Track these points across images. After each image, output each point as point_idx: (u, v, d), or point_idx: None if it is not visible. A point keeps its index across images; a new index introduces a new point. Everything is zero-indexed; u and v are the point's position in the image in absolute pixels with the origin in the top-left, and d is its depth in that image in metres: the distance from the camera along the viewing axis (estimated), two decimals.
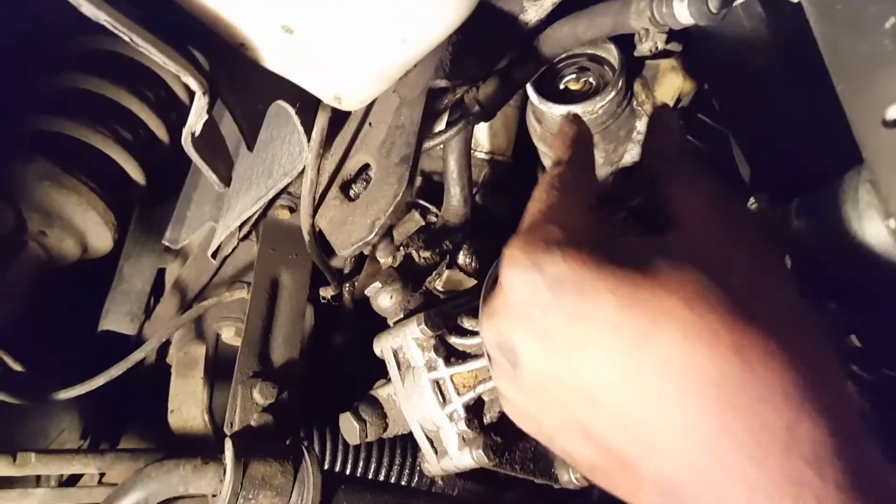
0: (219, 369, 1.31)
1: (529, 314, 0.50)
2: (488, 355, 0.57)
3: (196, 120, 0.58)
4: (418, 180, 1.21)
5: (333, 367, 1.26)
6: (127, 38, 0.52)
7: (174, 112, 1.50)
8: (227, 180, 0.69)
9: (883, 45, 0.49)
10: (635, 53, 0.81)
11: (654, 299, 0.45)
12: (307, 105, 0.79)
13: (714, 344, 0.44)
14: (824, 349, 0.47)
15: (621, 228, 0.61)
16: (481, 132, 1.18)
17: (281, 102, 0.75)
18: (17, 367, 1.25)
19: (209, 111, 0.59)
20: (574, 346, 0.48)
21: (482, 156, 1.19)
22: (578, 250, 0.49)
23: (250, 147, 0.72)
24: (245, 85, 0.66)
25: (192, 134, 0.60)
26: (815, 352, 0.46)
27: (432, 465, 0.88)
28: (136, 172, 1.42)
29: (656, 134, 0.64)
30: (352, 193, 0.90)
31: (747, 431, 0.42)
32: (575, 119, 0.68)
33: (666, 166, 0.59)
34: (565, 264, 0.48)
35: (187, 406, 1.29)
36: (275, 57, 0.62)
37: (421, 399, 0.85)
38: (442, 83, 0.77)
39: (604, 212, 0.59)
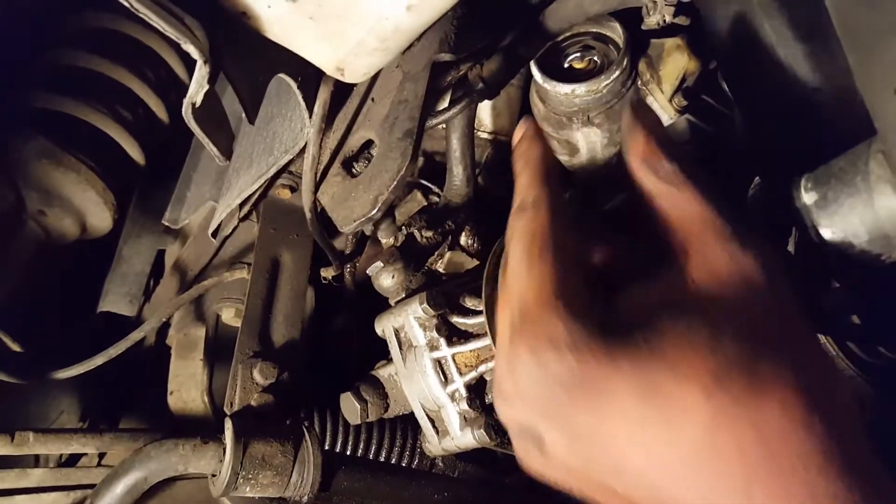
0: (219, 351, 1.30)
1: (548, 409, 0.50)
2: (510, 430, 0.56)
3: (197, 90, 0.57)
4: (420, 160, 1.20)
5: (334, 348, 1.25)
6: (126, 4, 0.51)
7: (174, 92, 1.48)
8: (227, 153, 0.68)
9: (895, 14, 0.48)
10: (642, 26, 0.80)
11: (674, 392, 0.46)
12: (309, 80, 0.78)
13: (734, 427, 0.44)
14: (843, 400, 0.48)
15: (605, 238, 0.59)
16: (484, 112, 1.17)
17: (283, 76, 0.74)
18: (15, 347, 1.25)
19: (210, 82, 0.58)
20: (600, 440, 0.48)
21: (485, 136, 1.18)
22: (587, 345, 0.48)
23: (251, 120, 0.70)
24: (247, 56, 0.65)
25: (193, 105, 0.59)
26: (835, 409, 0.46)
27: (433, 444, 0.88)
28: (135, 152, 1.41)
29: (631, 133, 0.59)
30: (354, 170, 0.89)
31: (773, 499, 0.43)
32: (533, 134, 0.65)
33: (642, 171, 0.56)
34: (577, 365, 0.48)
35: (187, 388, 1.29)
36: (277, 26, 0.61)
37: (422, 378, 0.85)
38: (446, 57, 0.76)
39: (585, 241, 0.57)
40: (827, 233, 0.58)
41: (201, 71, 0.56)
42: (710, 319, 0.48)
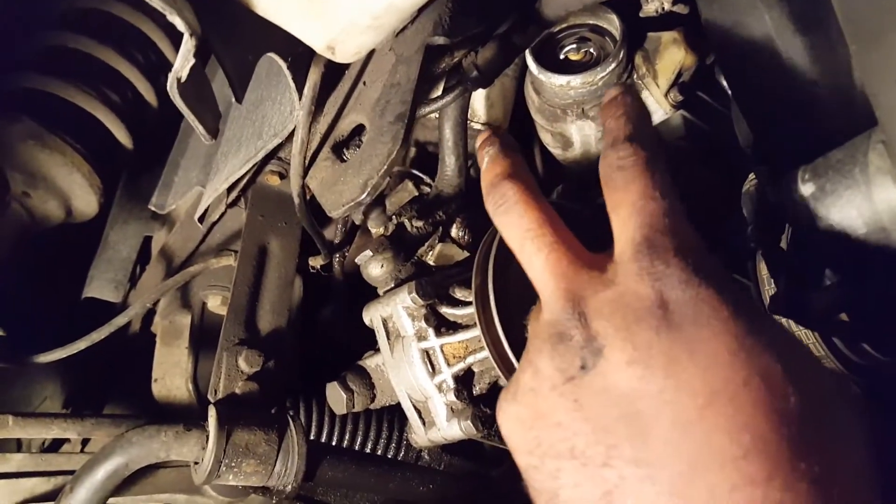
0: (204, 338, 1.29)
1: (643, 320, 0.47)
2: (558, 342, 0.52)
3: (182, 64, 0.56)
4: (413, 150, 1.19)
5: (322, 338, 1.24)
6: None
7: (164, 76, 1.46)
8: (213, 132, 0.66)
9: None
10: (640, 14, 0.79)
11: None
12: (299, 60, 0.77)
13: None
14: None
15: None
16: (478, 102, 1.16)
17: (272, 55, 0.73)
18: None
19: (196, 56, 0.56)
20: (676, 368, 0.46)
21: (478, 126, 1.17)
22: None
23: (239, 99, 0.69)
24: (235, 32, 0.64)
25: (178, 80, 0.57)
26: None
27: (420, 435, 0.87)
28: (123, 135, 1.39)
29: (609, 132, 0.57)
30: (344, 156, 0.88)
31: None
32: (502, 140, 0.62)
33: (617, 178, 0.54)
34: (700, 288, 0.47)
35: (171, 375, 1.27)
36: (267, 1, 0.60)
37: (410, 369, 0.84)
38: (440, 40, 0.75)
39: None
40: (824, 225, 0.57)
41: (187, 45, 0.54)
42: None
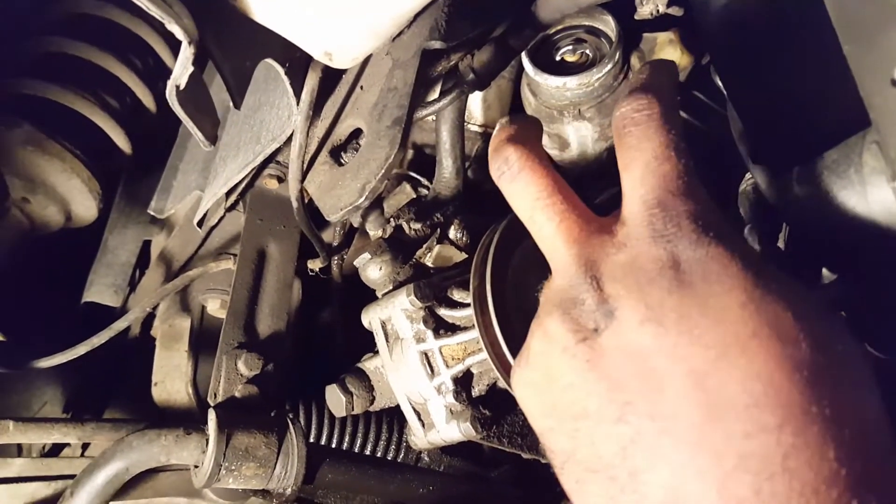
0: (204, 342, 1.29)
1: (656, 282, 0.48)
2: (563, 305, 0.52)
3: (181, 72, 0.56)
4: (410, 153, 1.20)
5: (320, 340, 1.24)
6: None
7: (162, 82, 1.47)
8: (212, 138, 0.67)
9: (891, 3, 0.47)
10: (635, 16, 0.79)
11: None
12: (297, 66, 0.77)
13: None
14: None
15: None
16: (475, 104, 1.16)
17: (270, 61, 0.73)
18: None
19: (195, 64, 0.57)
20: (688, 326, 0.47)
21: (475, 129, 1.17)
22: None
23: (237, 105, 0.69)
24: (233, 39, 0.64)
25: (177, 87, 0.58)
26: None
27: (419, 437, 0.87)
28: (122, 141, 1.39)
29: (630, 84, 0.56)
30: (342, 160, 0.88)
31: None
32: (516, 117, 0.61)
33: (631, 133, 0.53)
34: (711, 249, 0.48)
35: (171, 379, 1.27)
36: (264, 9, 0.60)
37: (409, 371, 0.84)
38: (437, 44, 0.75)
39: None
40: (819, 226, 0.57)
41: (186, 52, 0.55)
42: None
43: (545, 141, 1.13)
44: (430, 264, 0.93)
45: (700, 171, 0.52)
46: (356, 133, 0.87)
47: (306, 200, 0.95)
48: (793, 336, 0.44)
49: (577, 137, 1.09)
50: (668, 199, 0.49)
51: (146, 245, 1.53)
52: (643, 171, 0.51)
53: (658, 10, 0.73)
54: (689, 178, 0.51)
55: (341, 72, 0.89)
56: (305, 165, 0.89)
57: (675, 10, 0.86)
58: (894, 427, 0.45)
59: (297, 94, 0.80)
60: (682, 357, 0.45)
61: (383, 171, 0.73)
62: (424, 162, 1.18)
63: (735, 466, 0.42)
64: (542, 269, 0.59)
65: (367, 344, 0.92)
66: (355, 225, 1.25)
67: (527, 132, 0.58)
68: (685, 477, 0.43)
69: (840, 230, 0.57)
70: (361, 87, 0.86)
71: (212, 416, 0.89)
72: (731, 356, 0.44)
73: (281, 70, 0.74)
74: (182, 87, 0.58)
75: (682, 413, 0.44)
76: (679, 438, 0.44)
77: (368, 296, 0.91)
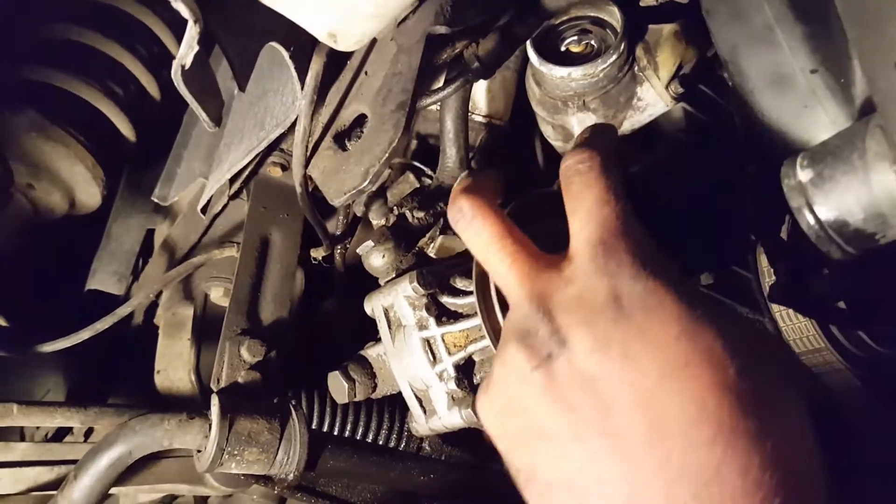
0: (207, 330, 1.29)
1: (601, 315, 0.53)
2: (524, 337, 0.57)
3: (186, 51, 0.56)
4: (414, 142, 1.20)
5: (323, 328, 1.24)
6: None
7: (167, 69, 1.47)
8: (217, 120, 0.67)
9: None
10: (641, 3, 0.79)
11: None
12: (302, 50, 0.77)
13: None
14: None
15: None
16: (479, 94, 1.16)
17: (274, 45, 0.73)
18: (1, 321, 1.23)
19: (200, 43, 0.57)
20: (632, 355, 0.52)
21: (479, 119, 1.17)
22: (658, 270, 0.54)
23: (242, 87, 0.69)
24: (238, 20, 0.64)
25: (182, 67, 0.58)
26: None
27: (420, 424, 0.87)
28: (126, 128, 1.39)
29: (573, 143, 0.64)
30: (346, 145, 0.88)
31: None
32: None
33: (574, 182, 0.60)
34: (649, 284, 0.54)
35: (174, 367, 1.27)
36: None
37: (411, 358, 0.84)
38: (442, 30, 0.75)
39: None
40: (822, 211, 0.57)
41: (191, 31, 0.55)
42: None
43: (550, 132, 1.13)
44: (432, 254, 0.94)
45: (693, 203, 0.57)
46: (360, 119, 0.87)
47: (310, 187, 0.96)
48: (721, 363, 0.50)
49: (581, 128, 1.08)
50: (610, 239, 0.56)
51: (150, 234, 1.53)
52: (586, 215, 0.58)
53: None
54: (628, 220, 0.57)
55: (346, 58, 0.89)
56: (309, 151, 0.89)
57: None
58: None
59: (302, 79, 0.80)
60: (627, 382, 0.51)
61: (387, 154, 0.73)
62: (428, 151, 1.18)
63: (677, 475, 0.48)
64: None
65: (369, 331, 0.92)
66: (359, 214, 1.25)
67: (481, 184, 0.65)
68: (635, 486, 0.49)
69: (842, 216, 0.57)
70: (366, 73, 0.86)
71: (215, 401, 0.89)
72: (669, 381, 0.50)
73: (286, 53, 0.74)
74: (187, 67, 0.58)
75: (629, 432, 0.50)
76: (627, 453, 0.50)
77: (371, 284, 0.92)
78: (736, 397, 0.49)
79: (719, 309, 0.53)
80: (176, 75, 0.59)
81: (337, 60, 0.85)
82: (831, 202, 0.57)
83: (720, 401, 0.49)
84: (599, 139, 0.64)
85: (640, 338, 0.51)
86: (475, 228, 0.62)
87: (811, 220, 0.59)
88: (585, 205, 0.59)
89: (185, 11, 0.53)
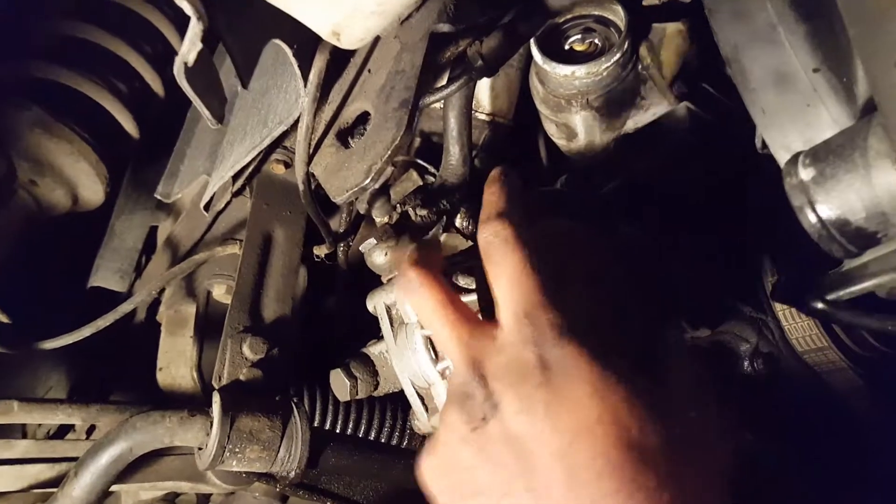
0: (209, 327, 1.29)
1: (528, 380, 0.59)
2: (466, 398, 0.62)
3: (189, 48, 0.56)
4: (417, 140, 1.19)
5: (325, 325, 1.24)
6: None
7: (170, 66, 1.47)
8: (220, 117, 0.67)
9: None
10: (644, 1, 0.79)
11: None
12: (305, 48, 0.77)
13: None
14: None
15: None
16: (483, 93, 1.16)
17: (278, 42, 0.73)
18: (3, 318, 1.24)
19: (203, 41, 0.57)
20: (554, 414, 0.57)
21: (483, 117, 1.17)
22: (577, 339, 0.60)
23: (245, 84, 0.70)
24: (242, 18, 0.64)
25: (186, 64, 0.58)
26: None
27: (422, 422, 0.87)
28: (129, 125, 1.40)
29: (484, 207, 0.71)
30: (349, 143, 0.88)
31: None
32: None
33: (492, 252, 0.66)
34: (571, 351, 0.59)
35: (176, 364, 1.28)
36: None
37: (413, 355, 0.84)
38: (445, 28, 0.75)
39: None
40: (824, 210, 0.57)
41: (194, 28, 0.55)
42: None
43: (553, 130, 1.13)
44: None
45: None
46: (363, 116, 0.87)
47: (313, 184, 0.96)
48: (626, 422, 0.56)
49: (584, 127, 1.08)
50: (533, 311, 0.61)
51: (153, 231, 1.53)
52: (508, 285, 0.64)
53: None
54: (547, 291, 0.62)
55: (349, 56, 0.89)
56: (312, 148, 0.89)
57: None
58: None
59: (305, 77, 0.80)
60: (547, 441, 0.56)
61: (390, 152, 0.74)
62: (431, 149, 1.18)
63: None
64: None
65: (371, 329, 0.92)
66: (362, 212, 1.25)
67: (427, 256, 0.72)
68: None
69: (844, 215, 0.57)
70: (369, 71, 0.86)
71: (216, 399, 0.89)
72: (581, 439, 0.56)
73: (289, 51, 0.74)
74: (190, 65, 0.58)
75: (549, 485, 0.56)
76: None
77: (373, 282, 0.91)
78: (638, 454, 0.55)
79: (629, 371, 0.59)
80: (179, 72, 0.59)
81: (340, 58, 0.85)
82: (833, 201, 0.56)
83: (624, 456, 0.55)
84: (508, 201, 0.70)
85: (559, 399, 0.57)
86: (421, 297, 0.68)
87: (813, 219, 0.59)
88: (506, 273, 0.64)
89: (188, 8, 0.53)
